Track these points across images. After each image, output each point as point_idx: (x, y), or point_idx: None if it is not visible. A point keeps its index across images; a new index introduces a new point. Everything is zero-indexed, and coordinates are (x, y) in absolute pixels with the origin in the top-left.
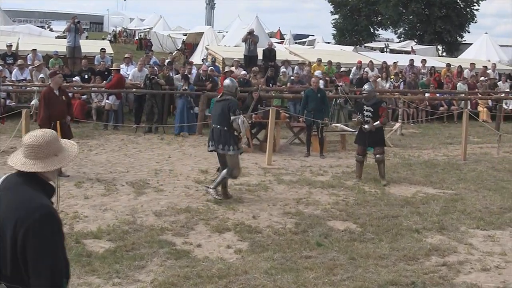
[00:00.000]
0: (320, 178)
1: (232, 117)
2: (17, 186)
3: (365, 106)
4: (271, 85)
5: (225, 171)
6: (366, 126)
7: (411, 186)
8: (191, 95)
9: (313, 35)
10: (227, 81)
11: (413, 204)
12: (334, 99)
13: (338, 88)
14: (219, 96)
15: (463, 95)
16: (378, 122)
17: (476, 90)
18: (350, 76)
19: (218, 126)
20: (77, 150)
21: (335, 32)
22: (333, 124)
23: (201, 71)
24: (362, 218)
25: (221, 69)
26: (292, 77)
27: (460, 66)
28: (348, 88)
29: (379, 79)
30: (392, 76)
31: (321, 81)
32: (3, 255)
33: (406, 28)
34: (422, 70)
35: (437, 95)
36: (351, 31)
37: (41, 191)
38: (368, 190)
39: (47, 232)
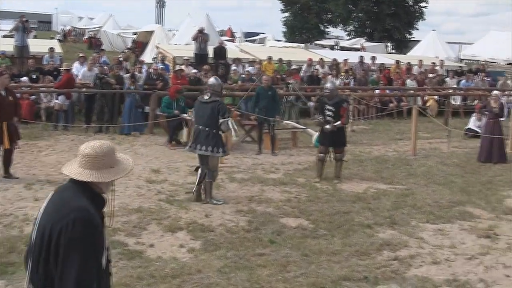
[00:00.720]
0: (272, 175)
1: (221, 120)
2: (64, 191)
3: (326, 106)
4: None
5: (207, 175)
6: (327, 127)
7: (362, 182)
8: (141, 94)
9: (263, 33)
10: (212, 80)
11: (364, 199)
12: (285, 97)
13: (289, 85)
14: (206, 97)
15: (412, 91)
16: (339, 122)
17: (425, 86)
18: (301, 74)
19: (207, 128)
20: (133, 164)
21: (285, 30)
22: (284, 121)
23: (151, 70)
24: (314, 215)
25: (171, 67)
26: (243, 75)
27: (409, 63)
28: (298, 85)
29: (330, 76)
30: (343, 73)
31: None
32: (36, 259)
33: (356, 26)
34: (372, 67)
35: (387, 91)
36: (301, 28)
37: (90, 200)
38: (320, 187)
39: (77, 238)
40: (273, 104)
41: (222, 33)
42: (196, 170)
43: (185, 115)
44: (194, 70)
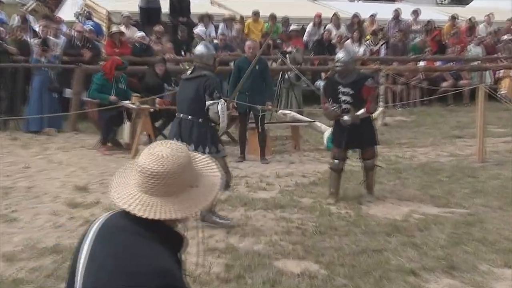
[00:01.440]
0: (262, 194)
1: (208, 102)
2: (123, 237)
3: (340, 87)
4: (183, 53)
5: None
6: (345, 118)
7: (401, 203)
8: (58, 69)
9: None
10: (200, 48)
11: (405, 231)
12: (281, 73)
13: (287, 56)
14: (188, 72)
15: (478, 63)
16: (363, 110)
17: (497, 55)
18: (305, 38)
19: (189, 116)
20: (220, 173)
21: None
22: (280, 111)
23: (74, 32)
24: (328, 255)
25: (105, 29)
26: (215, 41)
27: (472, 18)
28: (302, 55)
29: (349, 41)
30: (368, 37)
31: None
32: None
33: None
34: (414, 26)
35: (438, 63)
36: None
37: (163, 243)
38: (336, 211)
39: None
40: (261, 84)
41: None
42: None
43: (127, 102)
44: (141, 33)
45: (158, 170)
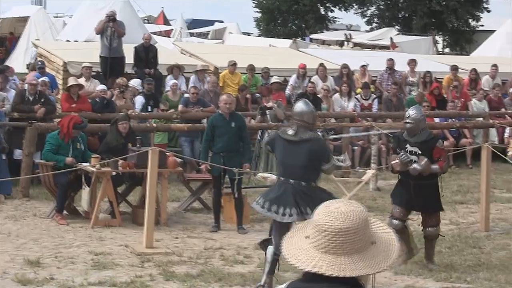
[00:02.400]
0: (240, 268)
1: (325, 167)
2: None
3: (408, 146)
4: (149, 108)
5: (272, 247)
6: (415, 166)
7: (397, 277)
8: (6, 127)
9: (221, 21)
10: (300, 106)
11: None
12: (260, 132)
13: (267, 112)
14: (290, 132)
15: (482, 119)
16: (436, 166)
17: (504, 110)
18: (287, 91)
19: (303, 183)
20: (392, 231)
21: (259, 15)
22: (259, 174)
23: (26, 85)
24: None
25: (60, 81)
26: (186, 94)
27: (475, 69)
28: (283, 111)
29: (337, 94)
30: (359, 90)
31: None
32: None
33: (381, 7)
34: (411, 79)
35: (437, 120)
36: (286, 12)
37: None
38: None
39: None
40: (238, 144)
41: (149, 20)
42: (263, 245)
43: (85, 164)
44: (102, 87)
45: (342, 226)
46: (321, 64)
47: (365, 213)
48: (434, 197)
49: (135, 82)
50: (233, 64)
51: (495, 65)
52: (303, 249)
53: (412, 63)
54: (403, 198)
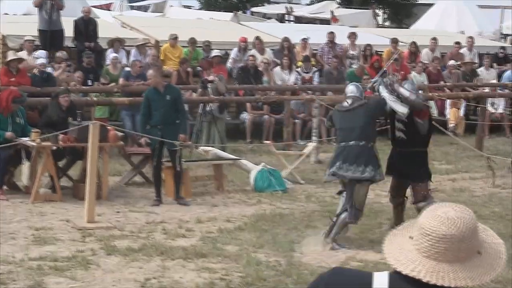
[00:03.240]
0: (181, 241)
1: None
2: None
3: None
4: (90, 82)
5: (345, 214)
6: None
7: (339, 250)
8: None
9: None
10: (351, 88)
11: None
12: (202, 105)
13: (209, 85)
14: (345, 104)
15: (421, 91)
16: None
17: (443, 83)
18: (228, 65)
19: (361, 142)
20: (500, 239)
21: None
22: (201, 148)
23: None
24: None
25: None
26: (127, 68)
27: (415, 42)
28: (224, 84)
29: (278, 68)
30: (300, 63)
31: None
32: None
33: None
34: (351, 52)
35: None
36: None
37: None
38: (264, 260)
39: None
40: (174, 116)
41: None
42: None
43: (25, 139)
44: (42, 60)
45: (447, 233)
46: (257, 38)
47: (474, 222)
48: (423, 167)
49: (41, 54)
50: (174, 38)
51: (434, 39)
52: (404, 250)
53: (353, 36)
54: (395, 166)
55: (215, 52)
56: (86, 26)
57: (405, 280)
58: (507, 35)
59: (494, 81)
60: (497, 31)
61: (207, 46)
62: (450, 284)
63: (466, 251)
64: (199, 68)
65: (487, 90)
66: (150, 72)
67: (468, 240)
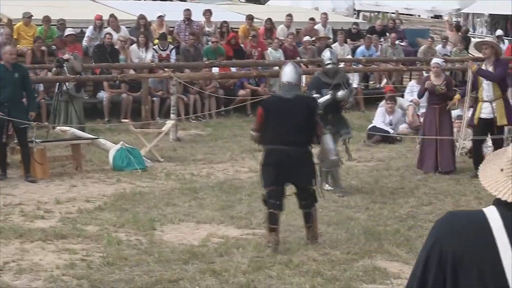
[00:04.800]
0: (40, 223)
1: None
2: None
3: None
4: None
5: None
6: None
7: (198, 226)
8: None
9: None
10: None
11: (203, 257)
12: (58, 84)
13: (64, 64)
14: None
15: (277, 68)
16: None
17: (298, 58)
18: (84, 43)
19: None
20: None
21: None
22: (58, 127)
23: None
24: None
25: None
26: None
27: (270, 19)
28: (80, 63)
29: (134, 45)
30: (156, 41)
31: None
32: None
33: None
34: (207, 29)
35: (234, 70)
36: None
37: None
38: (125, 239)
39: None
40: (22, 93)
41: None
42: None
43: None
44: None
45: None
46: (112, 15)
47: None
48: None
49: None
50: (29, 17)
51: (289, 15)
52: (500, 182)
53: (208, 13)
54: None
55: (68, 31)
56: None
57: (509, 207)
58: (360, 11)
59: (349, 57)
60: (350, 8)
61: (62, 24)
62: None
63: None
64: (54, 47)
65: (341, 65)
66: (7, 48)
67: None
